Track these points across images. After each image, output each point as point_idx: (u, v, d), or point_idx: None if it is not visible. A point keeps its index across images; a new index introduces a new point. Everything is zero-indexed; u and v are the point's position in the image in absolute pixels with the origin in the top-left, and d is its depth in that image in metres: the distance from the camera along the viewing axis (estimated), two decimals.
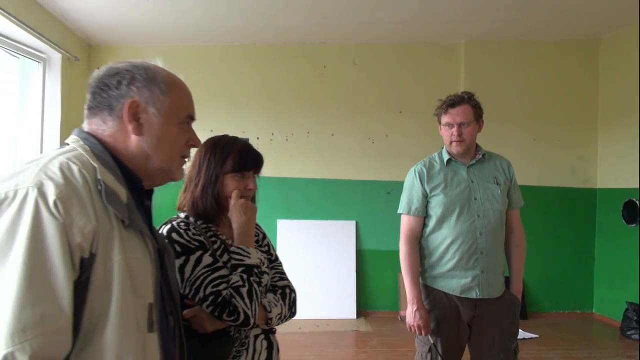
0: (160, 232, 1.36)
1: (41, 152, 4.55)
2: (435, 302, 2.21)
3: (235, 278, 1.31)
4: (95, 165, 0.94)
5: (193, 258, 1.32)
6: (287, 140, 5.49)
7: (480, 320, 2.20)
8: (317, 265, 5.38)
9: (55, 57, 4.59)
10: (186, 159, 1.13)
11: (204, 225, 1.43)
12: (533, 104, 5.63)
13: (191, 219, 1.42)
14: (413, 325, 2.17)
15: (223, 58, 5.56)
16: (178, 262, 1.31)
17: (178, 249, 1.32)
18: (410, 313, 2.17)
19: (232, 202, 1.42)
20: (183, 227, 1.37)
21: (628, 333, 4.90)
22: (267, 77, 5.57)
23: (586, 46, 5.75)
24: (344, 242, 5.51)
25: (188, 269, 1.31)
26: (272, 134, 5.49)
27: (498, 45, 5.62)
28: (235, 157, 1.44)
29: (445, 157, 2.30)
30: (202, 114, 5.35)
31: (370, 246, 5.62)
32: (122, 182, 0.98)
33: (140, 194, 1.05)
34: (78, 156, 0.94)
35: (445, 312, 2.19)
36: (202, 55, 5.52)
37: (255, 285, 1.32)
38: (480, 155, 2.29)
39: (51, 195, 0.83)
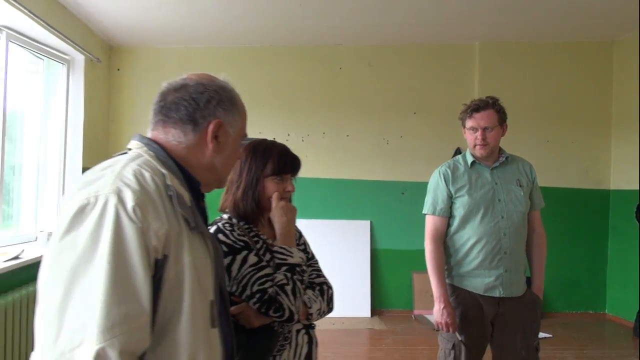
0: None
1: (64, 153, 4.65)
2: (459, 300, 2.27)
3: (279, 276, 1.38)
4: (164, 171, 1.00)
5: (239, 258, 1.39)
6: (302, 141, 5.57)
7: (503, 319, 2.26)
8: (332, 264, 5.40)
9: (79, 58, 4.70)
10: None
11: (246, 226, 1.51)
12: (547, 105, 5.66)
13: (234, 220, 1.50)
14: (440, 323, 2.23)
15: (240, 60, 5.64)
16: (225, 262, 1.38)
17: (225, 249, 1.39)
18: (438, 311, 2.23)
19: (273, 204, 1.49)
20: (228, 229, 1.44)
21: None
22: (283, 78, 5.65)
23: (600, 48, 5.78)
24: (358, 241, 5.58)
25: (235, 268, 1.38)
26: (289, 135, 5.56)
27: (512, 47, 5.67)
28: (275, 161, 1.51)
29: (470, 159, 2.35)
30: None
31: (384, 245, 5.68)
32: (184, 185, 1.04)
33: (197, 195, 1.11)
34: (147, 162, 1.00)
35: (469, 310, 2.25)
36: (219, 56, 5.60)
37: (298, 283, 1.40)
38: (504, 158, 2.35)
39: (129, 202, 0.89)
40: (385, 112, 5.71)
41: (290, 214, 1.50)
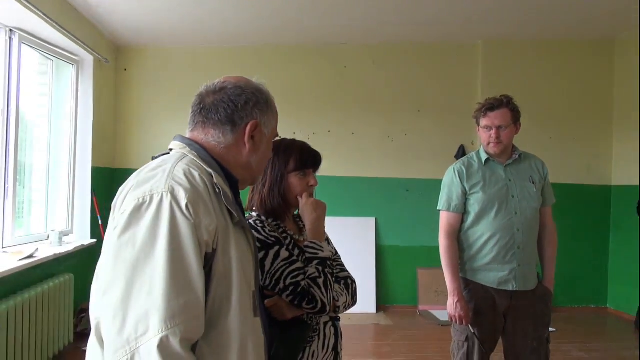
0: None
1: (74, 153, 4.70)
2: (472, 293, 2.33)
3: (311, 270, 1.45)
4: (210, 170, 1.06)
5: (272, 252, 1.45)
6: (308, 139, 5.51)
7: (515, 311, 2.33)
8: None
9: (88, 59, 4.74)
10: None
11: (274, 223, 1.57)
12: (549, 102, 5.73)
13: (263, 218, 1.56)
14: (455, 316, 2.29)
15: (246, 59, 5.69)
16: (258, 257, 1.45)
17: (258, 244, 1.46)
18: (452, 304, 2.29)
19: (303, 201, 1.56)
20: (260, 225, 1.51)
21: None
22: (289, 77, 5.70)
23: (602, 46, 5.85)
24: (364, 238, 5.65)
25: (268, 263, 1.44)
26: (294, 133, 5.54)
27: (514, 45, 5.73)
28: (297, 157, 1.58)
29: (484, 157, 2.41)
30: None
31: (389, 242, 5.75)
32: (226, 183, 1.11)
33: (235, 192, 1.17)
34: (193, 162, 1.06)
35: (482, 303, 2.31)
36: (225, 56, 5.65)
37: (329, 276, 1.46)
38: (517, 156, 2.41)
39: (183, 199, 0.95)
40: (389, 109, 5.78)
41: (320, 210, 1.56)
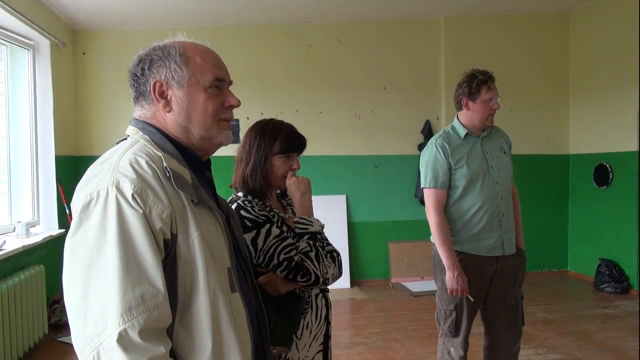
0: None
1: (35, 141, 4.54)
2: (462, 263, 2.39)
3: (303, 245, 1.49)
4: (160, 154, 1.02)
5: (263, 231, 1.49)
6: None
7: (499, 275, 2.45)
8: None
9: (44, 43, 4.56)
10: (230, 121, 1.16)
11: (260, 202, 1.59)
12: (510, 75, 5.87)
13: (249, 197, 1.58)
14: (456, 289, 2.33)
15: (209, 40, 5.42)
16: (250, 236, 1.47)
17: (248, 224, 1.48)
18: (452, 278, 2.33)
19: (287, 181, 1.59)
20: (249, 205, 1.53)
21: (601, 287, 5.32)
22: (254, 57, 5.65)
23: (557, 19, 6.03)
24: (335, 215, 5.73)
25: (260, 241, 1.47)
26: (262, 114, 5.57)
27: (475, 20, 5.84)
28: (283, 139, 1.60)
29: (462, 131, 2.46)
30: None
31: (360, 218, 5.86)
32: (183, 163, 1.06)
33: (201, 167, 1.15)
34: (142, 148, 1.03)
35: (472, 272, 2.39)
36: (188, 37, 5.49)
37: (320, 249, 1.51)
38: (489, 129, 2.49)
39: (128, 191, 0.94)
40: (356, 87, 5.82)
41: (303, 187, 1.60)
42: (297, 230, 1.54)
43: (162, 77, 1.08)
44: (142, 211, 0.94)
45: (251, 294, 1.18)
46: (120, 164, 0.98)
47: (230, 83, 1.18)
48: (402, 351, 3.78)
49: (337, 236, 5.69)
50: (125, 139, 1.10)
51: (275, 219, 1.57)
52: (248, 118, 5.54)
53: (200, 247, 1.00)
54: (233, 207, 1.52)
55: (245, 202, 1.54)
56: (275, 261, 1.46)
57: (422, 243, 5.51)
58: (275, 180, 1.61)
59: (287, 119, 1.74)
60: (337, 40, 5.78)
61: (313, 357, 1.59)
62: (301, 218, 1.55)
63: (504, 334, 2.50)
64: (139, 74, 1.10)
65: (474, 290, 2.39)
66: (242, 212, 1.50)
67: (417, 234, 5.67)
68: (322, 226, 1.57)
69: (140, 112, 1.12)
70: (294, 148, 1.63)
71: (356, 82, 5.82)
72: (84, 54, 5.41)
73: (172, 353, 0.97)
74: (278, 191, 1.72)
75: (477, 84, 2.36)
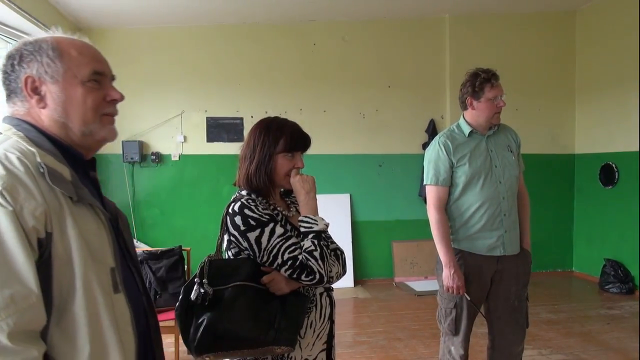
0: (232, 208, 1.51)
1: None
2: (461, 262, 2.39)
3: (307, 244, 1.48)
4: (33, 149, 0.98)
5: (267, 230, 1.47)
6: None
7: (501, 275, 2.42)
8: None
9: None
10: (114, 116, 1.12)
11: (264, 200, 1.59)
12: (515, 74, 5.84)
13: (253, 196, 1.57)
14: (452, 287, 2.33)
15: (215, 38, 5.59)
16: (254, 235, 1.47)
17: (252, 223, 1.47)
18: (449, 276, 2.33)
19: (291, 179, 1.58)
20: (252, 204, 1.52)
21: (606, 287, 5.29)
22: (259, 56, 5.64)
23: (563, 18, 6.00)
24: (339, 214, 5.72)
25: (264, 240, 1.46)
26: (266, 112, 5.58)
27: (480, 19, 5.82)
28: (287, 138, 1.59)
29: (467, 129, 2.44)
30: (196, 94, 5.51)
31: (364, 217, 5.85)
32: (62, 161, 1.02)
33: (84, 167, 1.10)
34: (14, 144, 0.98)
35: (471, 270, 2.38)
36: (193, 35, 5.54)
37: (325, 248, 1.50)
38: (496, 127, 2.47)
39: None
40: (360, 86, 5.80)
41: (308, 185, 1.58)
42: (302, 229, 1.53)
43: (34, 72, 1.03)
44: (11, 208, 0.89)
45: (141, 295, 1.15)
46: None
47: (113, 78, 1.14)
48: (405, 350, 3.77)
49: (341, 235, 5.69)
50: None
51: (279, 218, 1.56)
52: (252, 116, 5.55)
53: (78, 246, 0.96)
54: (237, 205, 1.51)
55: (249, 200, 1.53)
56: (279, 260, 1.45)
57: (426, 242, 5.49)
58: (279, 179, 1.60)
59: (291, 117, 1.73)
60: (341, 39, 5.77)
61: (316, 356, 1.58)
62: (305, 217, 1.54)
63: (507, 335, 2.49)
64: (9, 71, 1.05)
65: (472, 289, 2.38)
66: (246, 211, 1.49)
67: (421, 234, 5.65)
68: (327, 225, 1.56)
69: (12, 109, 1.07)
70: (298, 146, 1.62)
71: (361, 81, 5.80)
72: None
73: (47, 357, 0.93)
74: (282, 190, 1.71)
75: (480, 82, 2.34)
